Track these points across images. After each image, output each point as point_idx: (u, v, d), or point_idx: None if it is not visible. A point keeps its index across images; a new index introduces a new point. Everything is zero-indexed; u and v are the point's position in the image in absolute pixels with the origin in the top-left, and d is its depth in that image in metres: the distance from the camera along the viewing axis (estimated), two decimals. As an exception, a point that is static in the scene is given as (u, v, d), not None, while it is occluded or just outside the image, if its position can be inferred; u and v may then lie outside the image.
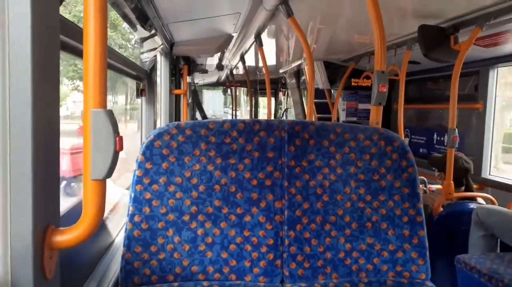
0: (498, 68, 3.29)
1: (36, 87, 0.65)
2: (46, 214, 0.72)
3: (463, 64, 2.53)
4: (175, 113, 3.56)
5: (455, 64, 2.50)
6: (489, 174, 3.38)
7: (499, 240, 2.45)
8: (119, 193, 2.06)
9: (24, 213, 0.67)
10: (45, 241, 0.71)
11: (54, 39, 0.73)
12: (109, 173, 0.70)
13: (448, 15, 2.42)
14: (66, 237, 0.73)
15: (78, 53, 1.11)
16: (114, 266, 1.43)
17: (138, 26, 2.06)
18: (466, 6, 2.24)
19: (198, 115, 7.85)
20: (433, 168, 2.98)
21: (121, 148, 0.70)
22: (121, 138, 0.70)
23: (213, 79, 7.80)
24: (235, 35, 3.26)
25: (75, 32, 1.09)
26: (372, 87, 1.58)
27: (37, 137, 0.67)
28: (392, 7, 2.36)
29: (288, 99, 6.51)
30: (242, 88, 9.41)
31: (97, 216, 0.72)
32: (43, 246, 0.70)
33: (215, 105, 10.54)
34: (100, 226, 1.47)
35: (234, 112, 8.66)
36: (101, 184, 0.71)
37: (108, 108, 0.70)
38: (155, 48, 2.68)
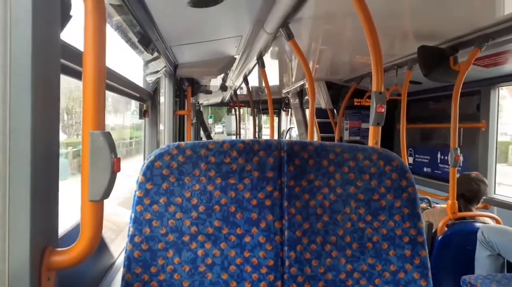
0: (499, 88, 3.31)
1: (36, 110, 0.67)
2: (44, 235, 0.73)
3: (465, 83, 2.54)
4: (179, 134, 3.59)
5: (455, 84, 2.52)
6: (494, 193, 3.35)
7: (505, 260, 2.40)
8: None
9: (22, 234, 0.67)
10: (43, 262, 0.71)
11: (55, 63, 0.76)
12: (106, 194, 0.71)
13: (447, 36, 2.45)
14: (64, 258, 0.73)
15: (78, 76, 1.14)
16: None
17: (142, 49, 2.10)
18: (464, 28, 2.27)
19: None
20: None
21: (118, 170, 0.71)
22: (118, 160, 0.71)
23: (217, 99, 7.88)
24: (237, 57, 3.30)
25: (75, 55, 1.12)
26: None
27: (36, 158, 0.68)
28: (392, 29, 2.40)
29: (291, 118, 6.55)
30: (247, 108, 9.54)
31: (94, 236, 0.73)
32: (41, 267, 0.71)
33: (231, 125, 15.79)
34: (101, 247, 1.48)
35: (238, 130, 8.69)
36: (99, 205, 0.72)
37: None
38: (159, 70, 2.72)
